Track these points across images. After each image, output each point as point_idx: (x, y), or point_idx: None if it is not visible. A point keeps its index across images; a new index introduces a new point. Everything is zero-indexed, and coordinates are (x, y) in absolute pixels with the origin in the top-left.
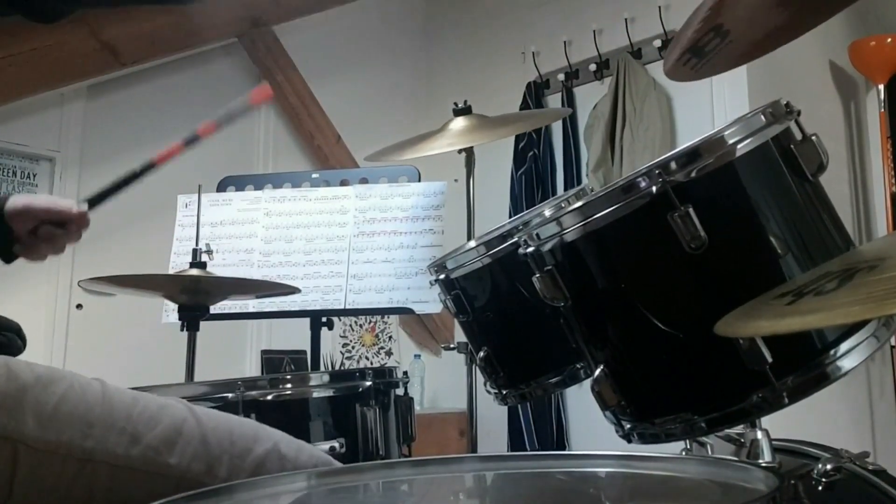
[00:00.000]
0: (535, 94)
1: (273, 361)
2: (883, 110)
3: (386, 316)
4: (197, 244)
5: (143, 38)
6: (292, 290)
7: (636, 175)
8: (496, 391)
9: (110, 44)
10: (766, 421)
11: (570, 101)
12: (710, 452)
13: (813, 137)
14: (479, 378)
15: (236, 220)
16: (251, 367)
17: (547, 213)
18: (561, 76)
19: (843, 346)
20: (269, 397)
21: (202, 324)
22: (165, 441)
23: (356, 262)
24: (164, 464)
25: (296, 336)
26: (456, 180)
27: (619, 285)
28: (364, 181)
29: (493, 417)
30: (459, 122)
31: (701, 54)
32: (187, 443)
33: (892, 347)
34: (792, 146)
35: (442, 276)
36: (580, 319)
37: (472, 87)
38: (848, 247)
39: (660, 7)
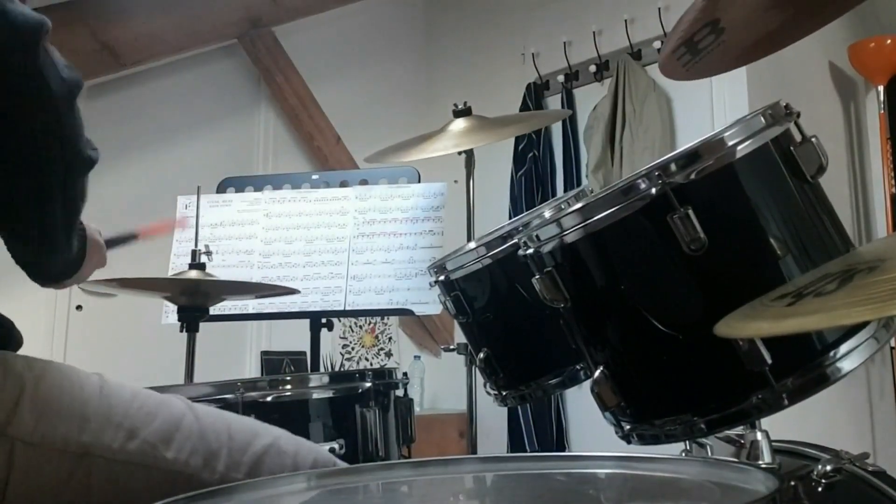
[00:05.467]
0: (534, 95)
1: (273, 362)
2: (882, 111)
3: (386, 317)
4: (196, 245)
5: (143, 38)
6: (291, 292)
7: (636, 176)
8: (496, 392)
9: (110, 44)
10: (765, 422)
11: (569, 102)
12: (709, 454)
13: (813, 139)
14: (479, 379)
15: (236, 221)
16: (251, 369)
17: (547, 214)
18: (560, 77)
19: (843, 348)
20: (269, 398)
21: (202, 325)
22: (162, 435)
23: (356, 264)
24: (162, 458)
25: (295, 337)
26: (456, 181)
27: (618, 287)
28: (364, 182)
29: (492, 418)
30: (459, 124)
31: (695, 51)
32: (185, 437)
33: (892, 349)
34: (791, 148)
35: (442, 278)
36: (580, 321)
37: (472, 88)
38: (847, 248)
39: (659, 8)
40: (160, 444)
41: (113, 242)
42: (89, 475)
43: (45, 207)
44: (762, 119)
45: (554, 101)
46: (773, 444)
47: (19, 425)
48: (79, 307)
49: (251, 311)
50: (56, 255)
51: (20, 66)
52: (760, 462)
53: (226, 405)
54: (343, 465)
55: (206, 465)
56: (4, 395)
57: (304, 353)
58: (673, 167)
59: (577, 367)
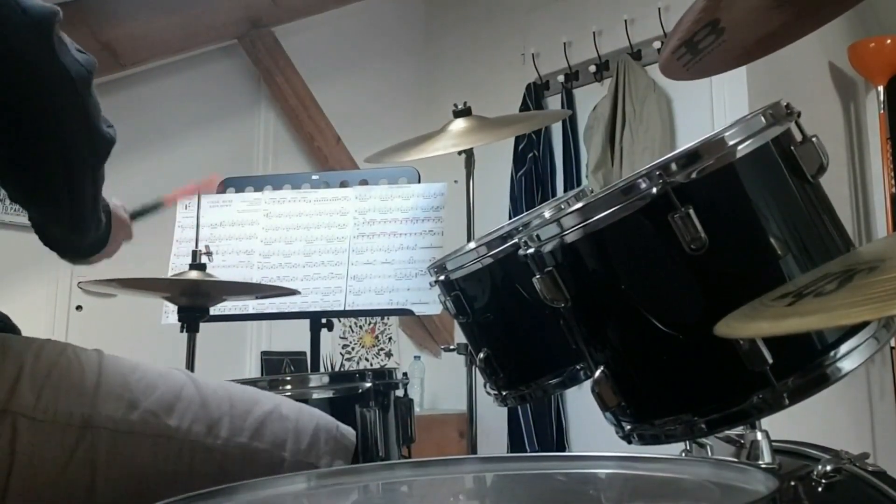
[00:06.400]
0: (534, 95)
1: (273, 362)
2: (882, 111)
3: (386, 317)
4: (196, 245)
5: (143, 39)
6: (291, 292)
7: (636, 176)
8: (496, 392)
9: (110, 45)
10: (765, 422)
11: (569, 102)
12: (709, 454)
13: (813, 139)
14: (479, 379)
15: (236, 221)
16: (251, 369)
17: (547, 214)
18: (560, 77)
19: (844, 348)
20: None
21: (202, 325)
22: (164, 405)
23: (356, 264)
24: (164, 425)
25: (296, 337)
26: (456, 181)
27: (619, 286)
28: (364, 182)
29: (492, 419)
30: (459, 124)
31: (695, 51)
32: (186, 406)
33: (892, 349)
34: (792, 147)
35: (442, 278)
36: (580, 320)
37: (472, 88)
38: (848, 248)
39: (659, 8)
40: (162, 413)
41: (138, 214)
42: (94, 447)
43: (74, 185)
44: (762, 119)
45: (554, 102)
46: (773, 444)
47: (20, 401)
48: (79, 307)
49: (251, 311)
50: (86, 233)
51: (38, 52)
52: (760, 462)
53: None
54: (348, 429)
55: (210, 431)
56: (4, 373)
57: (304, 354)
58: (673, 167)
59: (578, 367)
